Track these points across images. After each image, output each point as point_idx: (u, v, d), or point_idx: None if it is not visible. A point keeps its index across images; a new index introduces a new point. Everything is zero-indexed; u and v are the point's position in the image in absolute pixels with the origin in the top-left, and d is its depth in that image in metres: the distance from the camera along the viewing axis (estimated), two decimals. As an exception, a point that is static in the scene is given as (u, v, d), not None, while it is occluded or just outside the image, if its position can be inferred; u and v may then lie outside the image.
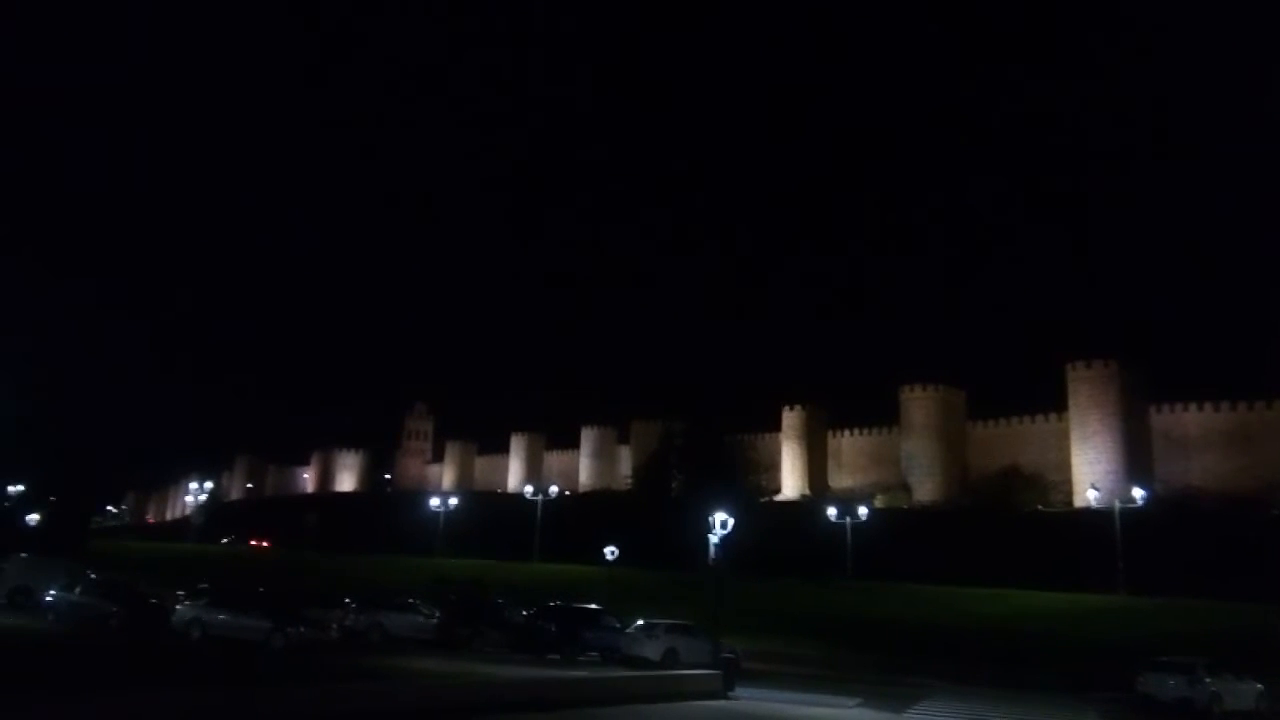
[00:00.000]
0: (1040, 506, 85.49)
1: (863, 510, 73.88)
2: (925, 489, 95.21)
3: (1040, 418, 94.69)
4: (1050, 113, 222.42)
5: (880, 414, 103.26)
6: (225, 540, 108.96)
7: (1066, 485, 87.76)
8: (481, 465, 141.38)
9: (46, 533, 70.31)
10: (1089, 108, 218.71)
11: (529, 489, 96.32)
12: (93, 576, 43.62)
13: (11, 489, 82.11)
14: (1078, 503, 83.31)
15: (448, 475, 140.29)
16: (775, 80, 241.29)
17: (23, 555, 48.49)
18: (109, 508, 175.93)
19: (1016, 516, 79.34)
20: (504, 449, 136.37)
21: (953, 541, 71.35)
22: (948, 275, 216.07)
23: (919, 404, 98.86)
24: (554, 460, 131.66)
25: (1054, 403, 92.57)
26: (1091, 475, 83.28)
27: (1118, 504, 63.87)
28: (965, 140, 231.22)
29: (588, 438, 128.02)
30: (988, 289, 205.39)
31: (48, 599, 39.77)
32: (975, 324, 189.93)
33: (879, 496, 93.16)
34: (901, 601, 58.23)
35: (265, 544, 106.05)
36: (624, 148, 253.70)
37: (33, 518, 75.14)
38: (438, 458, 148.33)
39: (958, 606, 56.12)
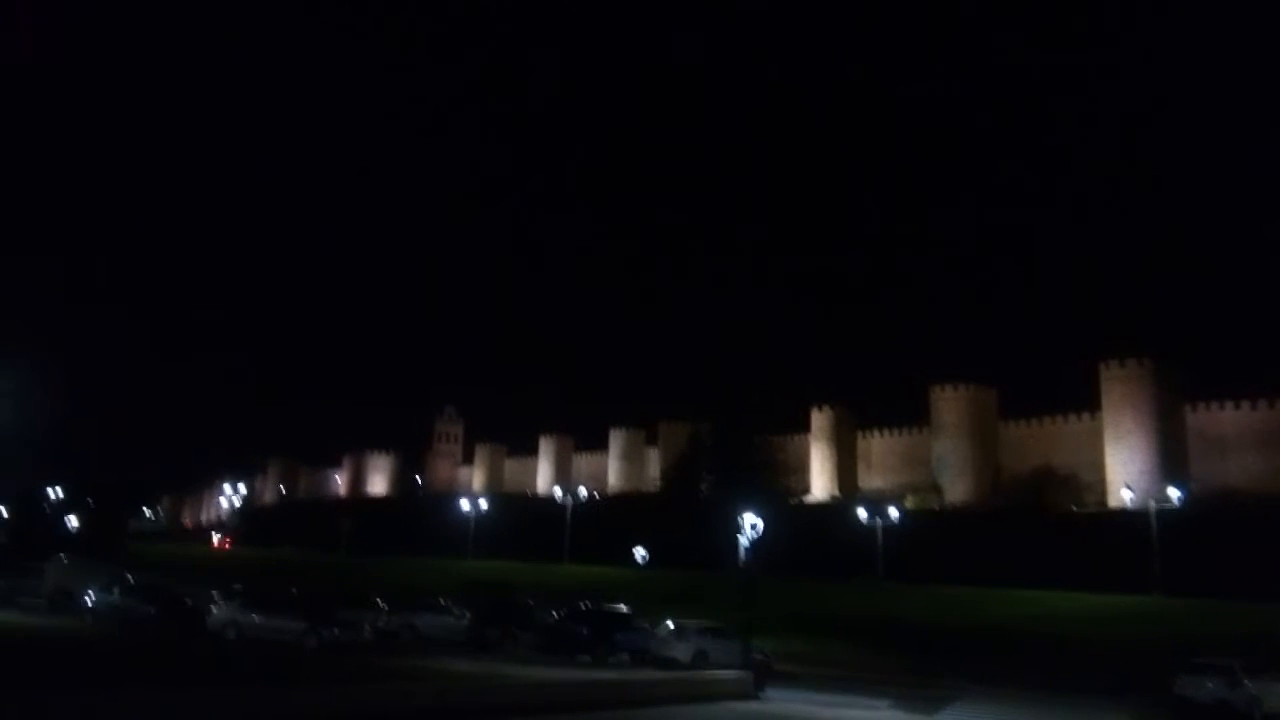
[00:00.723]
0: (1074, 507, 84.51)
1: (893, 511, 73.46)
2: (957, 490, 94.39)
3: (1073, 417, 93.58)
4: (1083, 106, 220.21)
5: (910, 414, 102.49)
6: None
7: (1100, 486, 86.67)
8: (511, 467, 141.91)
9: (86, 536, 71.73)
10: (1122, 101, 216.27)
11: (558, 491, 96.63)
12: (130, 579, 44.45)
13: (52, 493, 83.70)
14: (1112, 503, 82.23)
15: (477, 477, 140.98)
16: (800, 73, 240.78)
17: (63, 558, 49.55)
18: (145, 511, 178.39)
19: (1050, 517, 78.47)
20: (533, 451, 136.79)
21: (985, 543, 70.71)
22: (978, 273, 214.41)
23: (950, 404, 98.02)
24: (583, 462, 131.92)
25: (1088, 402, 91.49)
26: (1126, 475, 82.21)
27: (1153, 504, 62.95)
28: (994, 133, 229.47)
29: (616, 439, 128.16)
30: (1019, 286, 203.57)
31: (88, 600, 40.56)
32: (1006, 322, 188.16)
33: (909, 498, 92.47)
34: (933, 603, 57.87)
35: (228, 543, 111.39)
36: (646, 146, 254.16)
37: (72, 521, 76.64)
38: (467, 460, 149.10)
39: (990, 608, 55.68)
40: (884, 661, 42.68)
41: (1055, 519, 78.04)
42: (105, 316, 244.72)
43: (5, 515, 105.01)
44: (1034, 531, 71.46)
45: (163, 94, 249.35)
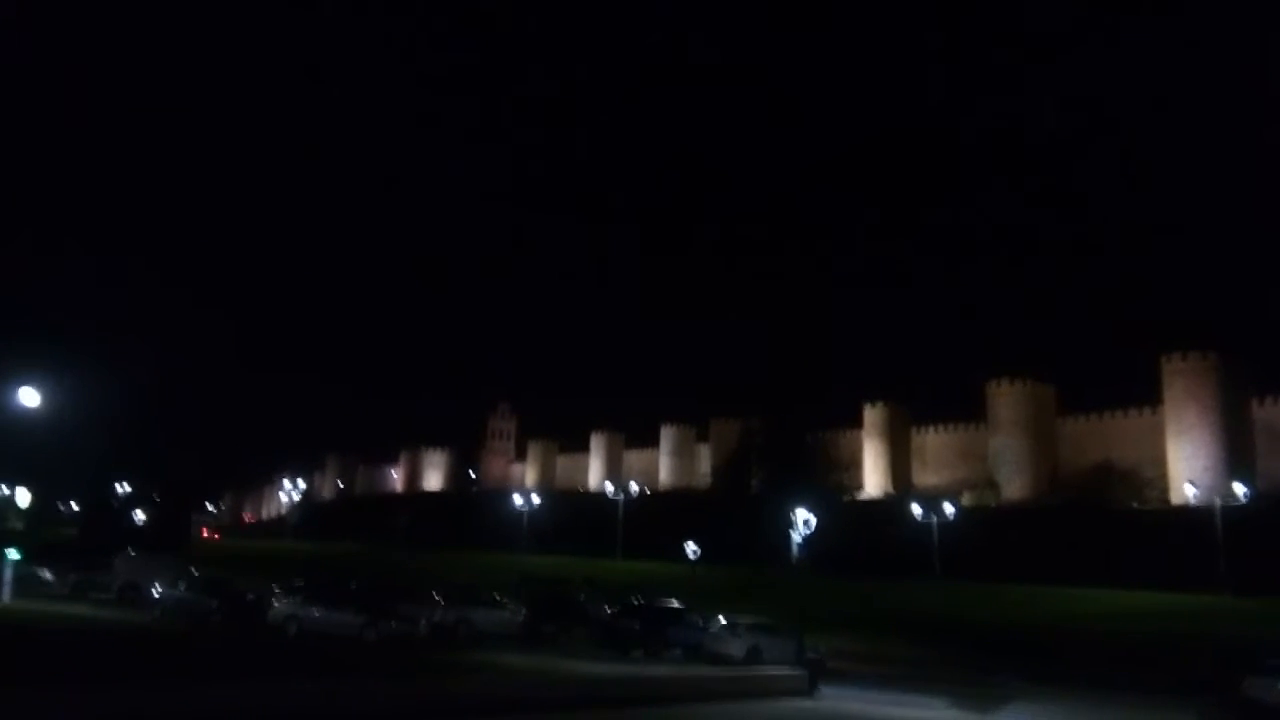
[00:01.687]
0: (1135, 504, 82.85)
1: (949, 508, 72.60)
2: (1014, 486, 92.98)
3: (1134, 412, 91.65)
4: (1150, 92, 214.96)
5: (965, 410, 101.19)
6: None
7: (1162, 482, 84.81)
8: (563, 464, 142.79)
9: (152, 531, 73.68)
10: (1186, 88, 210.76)
11: (609, 487, 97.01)
12: (195, 573, 45.59)
13: (119, 490, 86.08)
14: (1174, 500, 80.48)
15: (530, 474, 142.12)
16: (855, 71, 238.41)
17: (131, 553, 50.98)
18: (209, 506, 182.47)
19: (1110, 514, 76.97)
20: (584, 448, 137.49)
21: (1044, 540, 69.65)
22: (1034, 266, 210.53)
23: (1006, 399, 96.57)
24: (634, 459, 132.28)
25: (1148, 396, 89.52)
26: (1189, 471, 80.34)
27: (1218, 501, 61.43)
28: (1050, 125, 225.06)
29: (667, 436, 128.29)
30: (1077, 279, 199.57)
31: (155, 594, 41.67)
32: (1064, 316, 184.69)
33: (966, 494, 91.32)
34: (990, 601, 57.12)
35: (216, 535, 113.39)
36: (690, 142, 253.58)
37: (139, 516, 78.75)
38: (520, 456, 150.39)
39: (1049, 607, 54.81)
40: (940, 659, 42.23)
41: (1116, 516, 76.58)
42: (172, 317, 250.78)
43: (77, 512, 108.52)
44: (1094, 529, 70.22)
45: (229, 102, 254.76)
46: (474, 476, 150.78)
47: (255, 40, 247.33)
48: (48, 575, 50.48)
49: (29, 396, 37.27)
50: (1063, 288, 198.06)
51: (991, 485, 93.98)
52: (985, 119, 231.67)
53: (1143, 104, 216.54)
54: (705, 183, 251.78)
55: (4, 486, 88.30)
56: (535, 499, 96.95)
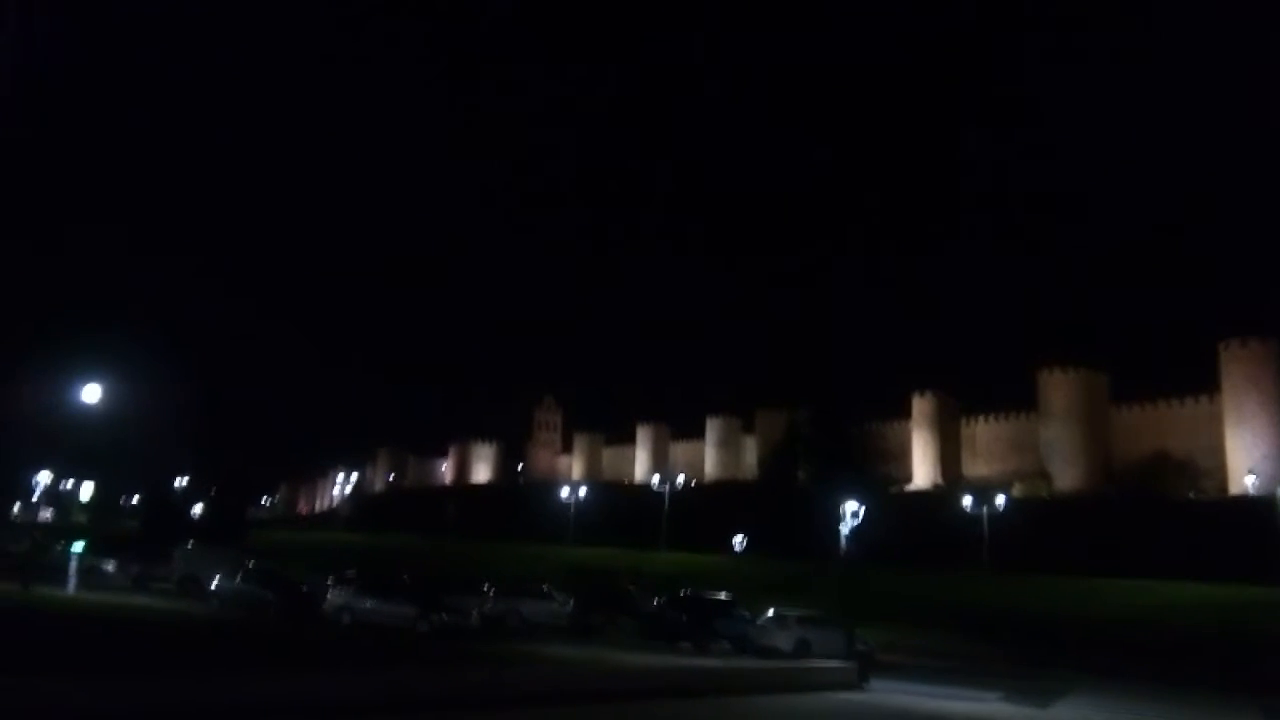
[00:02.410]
0: (1191, 494, 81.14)
1: (1000, 499, 71.66)
2: (1066, 477, 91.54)
3: (1190, 400, 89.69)
4: (1202, 77, 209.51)
5: (1016, 399, 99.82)
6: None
7: (1220, 471, 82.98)
8: (609, 456, 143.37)
9: (209, 524, 75.22)
10: (1239, 67, 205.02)
11: (655, 479, 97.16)
12: (251, 565, 46.41)
13: (178, 484, 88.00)
14: (1233, 490, 78.73)
15: (576, 466, 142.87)
16: (896, 61, 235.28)
17: (190, 545, 52.00)
18: (264, 499, 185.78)
19: (1166, 505, 75.46)
20: (630, 440, 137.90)
21: (1097, 531, 68.50)
22: (1085, 251, 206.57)
23: (1058, 387, 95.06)
24: (679, 450, 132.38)
25: (1205, 384, 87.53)
26: (1249, 460, 78.52)
27: (1280, 491, 59.95)
28: (1105, 111, 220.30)
29: (713, 428, 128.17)
30: (1132, 265, 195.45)
31: (213, 586, 42.50)
32: (1118, 303, 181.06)
33: (1017, 485, 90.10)
34: (1043, 593, 56.33)
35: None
36: (731, 139, 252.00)
37: (197, 509, 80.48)
38: (567, 449, 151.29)
39: (1104, 598, 53.92)
40: (992, 652, 41.77)
41: (1172, 506, 75.09)
42: (229, 317, 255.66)
43: (137, 505, 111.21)
44: (1149, 519, 68.93)
45: (283, 107, 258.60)
46: (521, 469, 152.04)
47: (295, 49, 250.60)
48: (110, 567, 51.60)
49: (91, 394, 38.30)
50: (1116, 274, 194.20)
51: (1043, 476, 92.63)
52: (1040, 92, 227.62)
53: (1193, 77, 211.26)
54: (748, 172, 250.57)
55: (69, 481, 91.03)
56: (582, 491, 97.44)
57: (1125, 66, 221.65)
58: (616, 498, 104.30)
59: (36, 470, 60.63)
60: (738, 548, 78.21)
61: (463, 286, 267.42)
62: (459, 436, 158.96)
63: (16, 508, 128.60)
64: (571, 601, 42.69)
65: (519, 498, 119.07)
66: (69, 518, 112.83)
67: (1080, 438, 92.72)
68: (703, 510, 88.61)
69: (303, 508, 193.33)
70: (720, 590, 44.83)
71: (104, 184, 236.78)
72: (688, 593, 43.38)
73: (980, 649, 42.70)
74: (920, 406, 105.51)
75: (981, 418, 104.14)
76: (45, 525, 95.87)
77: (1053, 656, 39.75)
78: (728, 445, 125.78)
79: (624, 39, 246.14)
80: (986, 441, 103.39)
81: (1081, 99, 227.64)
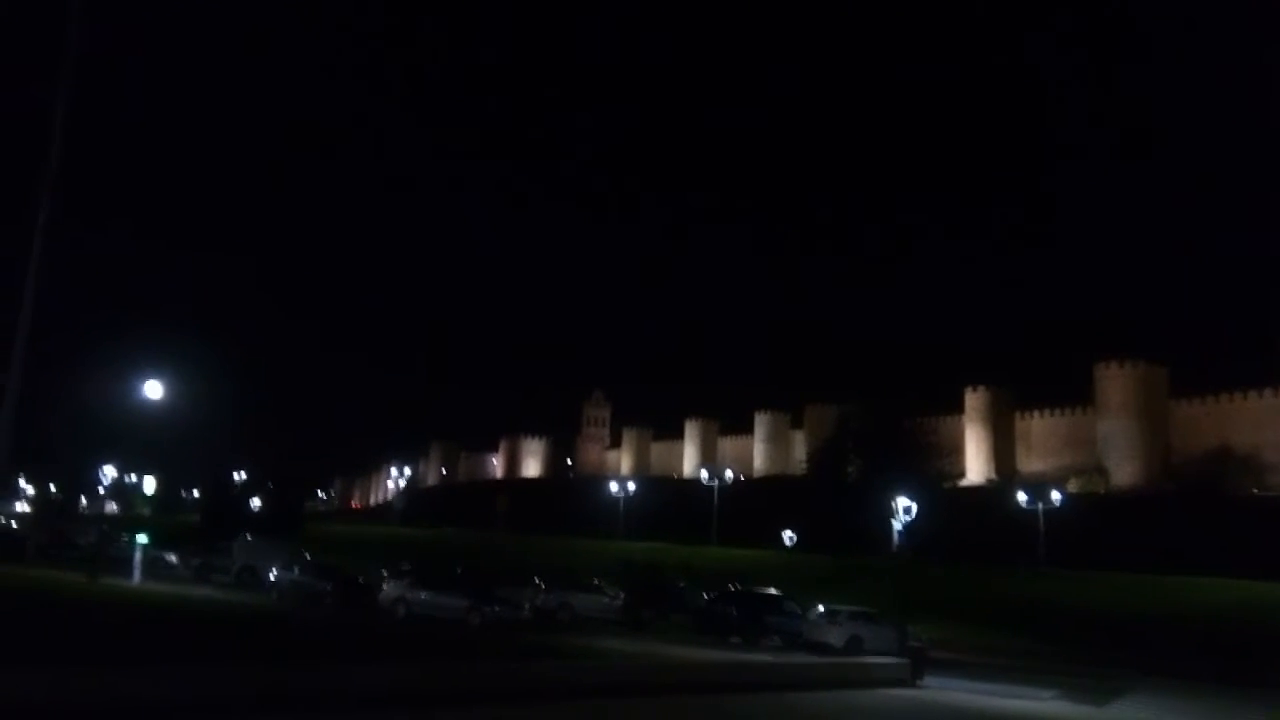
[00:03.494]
0: (1255, 490, 79.10)
1: (1055, 495, 70.53)
2: (1124, 472, 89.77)
3: (1254, 394, 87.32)
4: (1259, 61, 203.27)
5: (1072, 393, 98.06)
6: None
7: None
8: (657, 451, 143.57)
9: (267, 517, 76.82)
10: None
11: (704, 474, 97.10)
12: (308, 557, 47.41)
13: (237, 477, 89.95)
14: (1301, 486, 76.62)
15: (625, 460, 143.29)
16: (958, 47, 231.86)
17: (248, 538, 53.24)
18: (319, 492, 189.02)
19: (1229, 501, 73.65)
20: (679, 435, 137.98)
21: (1157, 528, 67.05)
22: (1143, 242, 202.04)
23: (1116, 381, 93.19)
24: (728, 445, 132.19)
25: (1269, 377, 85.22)
26: (1317, 456, 76.31)
27: (1349, 487, 58.17)
28: (1161, 97, 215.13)
29: (761, 423, 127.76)
30: (1189, 255, 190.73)
31: (271, 578, 43.49)
32: (1177, 294, 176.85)
33: (1073, 481, 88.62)
34: (1100, 590, 55.37)
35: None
36: (780, 130, 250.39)
37: (255, 503, 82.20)
38: (615, 444, 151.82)
39: (1164, 596, 52.83)
40: (1047, 650, 41.17)
41: (1235, 503, 73.27)
42: (288, 315, 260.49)
43: (198, 499, 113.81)
44: (1211, 516, 67.30)
45: (323, 96, 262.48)
46: (570, 463, 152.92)
47: (342, 54, 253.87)
48: (173, 558, 53.01)
49: (154, 391, 39.39)
50: (1173, 264, 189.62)
51: (1100, 471, 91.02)
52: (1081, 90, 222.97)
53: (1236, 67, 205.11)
54: (796, 163, 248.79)
55: (133, 475, 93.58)
56: (630, 485, 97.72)
57: (1196, 66, 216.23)
58: (665, 492, 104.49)
59: (102, 464, 62.66)
60: (788, 543, 77.87)
61: (513, 283, 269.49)
62: (509, 432, 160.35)
63: (84, 501, 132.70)
64: (622, 595, 42.96)
65: (568, 492, 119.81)
66: (133, 511, 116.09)
67: (1138, 432, 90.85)
68: (752, 505, 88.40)
69: (357, 502, 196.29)
70: (770, 585, 44.78)
71: (168, 188, 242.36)
72: (738, 587, 43.41)
73: (1035, 646, 42.12)
74: (973, 401, 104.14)
75: (1036, 412, 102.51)
76: (111, 518, 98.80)
77: (1110, 655, 39.05)
78: (776, 440, 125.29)
79: (699, 38, 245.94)
80: (1041, 436, 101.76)
81: (1149, 90, 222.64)
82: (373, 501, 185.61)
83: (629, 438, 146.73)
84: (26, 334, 14.30)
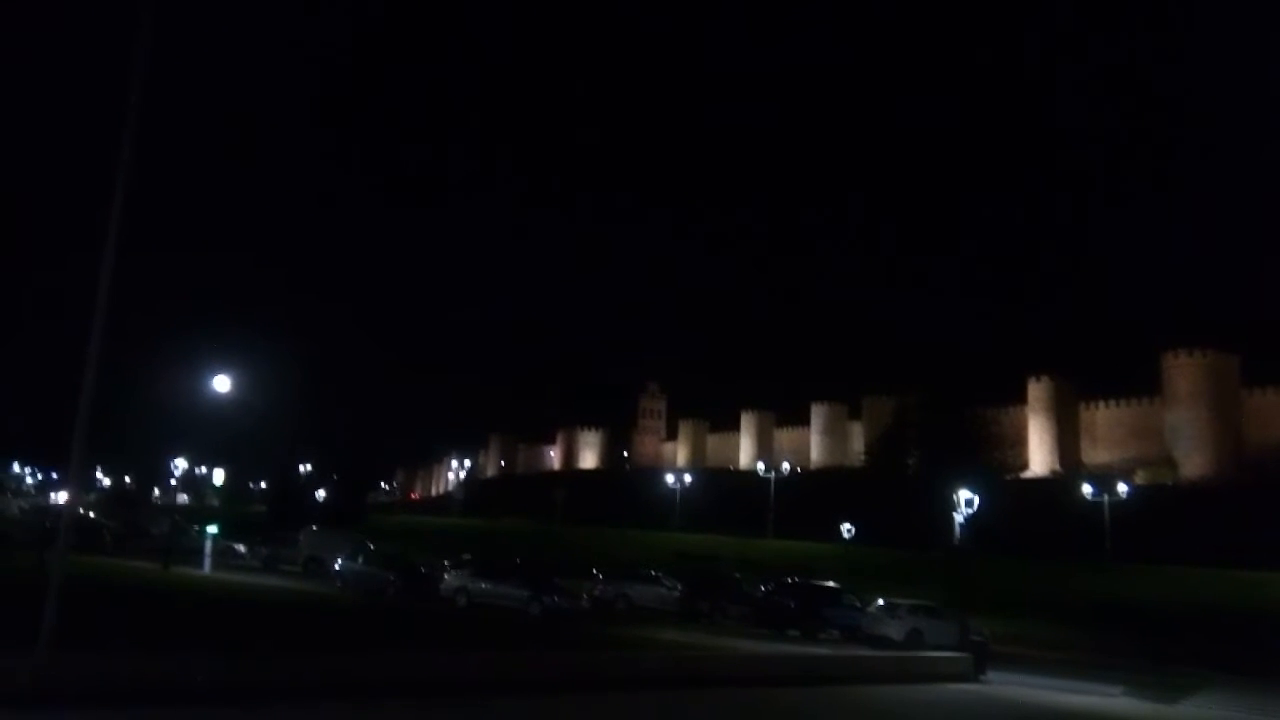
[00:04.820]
0: (1333, 482, 76.61)
1: (1122, 487, 69.10)
2: (1193, 463, 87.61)
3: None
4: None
5: (1138, 383, 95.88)
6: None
7: (1367, 458, 78.20)
8: (713, 443, 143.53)
9: (332, 508, 78.51)
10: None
11: (760, 466, 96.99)
12: (372, 547, 48.28)
13: (302, 469, 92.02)
14: (1381, 477, 74.05)
15: (681, 452, 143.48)
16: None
17: (314, 528, 54.39)
18: (382, 484, 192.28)
19: (1305, 492, 71.41)
20: (735, 427, 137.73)
21: (1228, 520, 65.37)
22: (1214, 227, 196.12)
23: (1185, 371, 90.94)
24: (784, 437, 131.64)
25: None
26: (1399, 447, 73.66)
27: None
28: (1233, 76, 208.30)
29: (818, 414, 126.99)
30: (1263, 241, 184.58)
31: (336, 567, 44.39)
32: (1246, 280, 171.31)
33: (1139, 472, 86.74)
34: (1168, 584, 54.15)
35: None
36: (829, 120, 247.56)
37: (321, 494, 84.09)
38: (671, 436, 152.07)
39: (1234, 591, 51.51)
40: (1114, 646, 40.38)
41: (1310, 495, 71.00)
42: (353, 312, 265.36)
43: (265, 490, 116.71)
44: (1285, 509, 65.37)
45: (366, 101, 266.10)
46: (626, 455, 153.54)
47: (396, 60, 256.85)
48: (241, 549, 54.30)
49: (222, 384, 40.47)
50: (1245, 250, 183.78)
51: (1168, 462, 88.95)
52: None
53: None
54: (851, 151, 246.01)
55: (203, 467, 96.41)
56: (687, 477, 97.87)
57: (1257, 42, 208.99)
58: (721, 484, 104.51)
59: (174, 457, 64.63)
60: (846, 535, 77.41)
61: (569, 277, 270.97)
62: (566, 424, 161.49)
63: (156, 492, 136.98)
64: (679, 586, 43.09)
65: (624, 484, 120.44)
66: (203, 502, 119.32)
67: (1208, 423, 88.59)
68: (809, 497, 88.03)
69: (418, 493, 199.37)
70: (828, 578, 44.57)
71: (234, 190, 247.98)
72: (796, 580, 43.24)
73: (1101, 641, 41.35)
74: (1036, 391, 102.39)
75: (1101, 402, 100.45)
76: (182, 509, 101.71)
77: (1179, 651, 38.17)
78: (833, 432, 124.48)
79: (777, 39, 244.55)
80: (1107, 427, 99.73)
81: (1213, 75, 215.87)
82: (433, 493, 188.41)
83: (685, 429, 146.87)
84: (101, 332, 14.82)
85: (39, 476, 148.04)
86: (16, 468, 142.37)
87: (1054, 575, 58.35)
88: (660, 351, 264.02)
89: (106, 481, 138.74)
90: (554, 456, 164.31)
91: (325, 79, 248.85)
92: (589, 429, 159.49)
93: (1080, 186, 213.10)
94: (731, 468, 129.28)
